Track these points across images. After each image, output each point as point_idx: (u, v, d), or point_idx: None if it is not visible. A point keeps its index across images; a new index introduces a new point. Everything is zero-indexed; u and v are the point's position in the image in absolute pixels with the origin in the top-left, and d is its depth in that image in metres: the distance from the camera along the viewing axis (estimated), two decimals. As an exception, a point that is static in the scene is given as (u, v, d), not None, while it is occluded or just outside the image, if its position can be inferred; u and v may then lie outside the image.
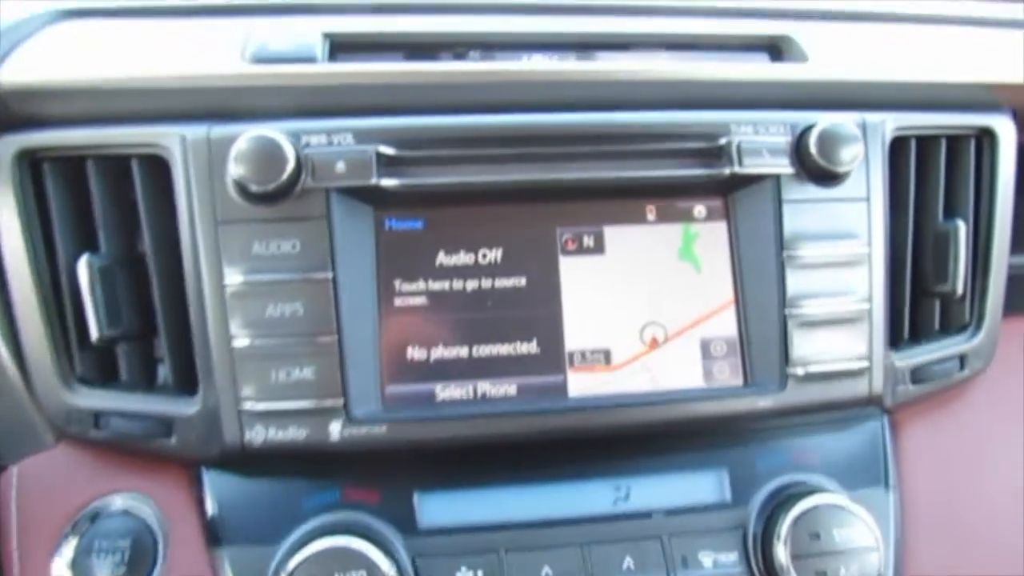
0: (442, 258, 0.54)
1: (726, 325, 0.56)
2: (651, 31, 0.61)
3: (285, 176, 0.48)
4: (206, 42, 0.54)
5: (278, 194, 0.49)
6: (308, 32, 0.55)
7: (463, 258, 0.54)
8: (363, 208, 0.52)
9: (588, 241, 0.55)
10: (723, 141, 0.54)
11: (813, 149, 0.53)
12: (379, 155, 0.51)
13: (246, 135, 0.48)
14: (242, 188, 0.49)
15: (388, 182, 0.51)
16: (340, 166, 0.50)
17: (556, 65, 0.57)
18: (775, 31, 0.63)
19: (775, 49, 0.63)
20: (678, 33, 0.61)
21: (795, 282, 0.55)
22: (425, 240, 0.54)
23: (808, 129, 0.54)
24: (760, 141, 0.54)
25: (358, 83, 0.54)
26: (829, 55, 0.61)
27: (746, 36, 0.62)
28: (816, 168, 0.54)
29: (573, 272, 0.55)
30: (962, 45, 0.66)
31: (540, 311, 0.54)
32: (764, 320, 0.56)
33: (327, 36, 0.56)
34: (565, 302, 0.55)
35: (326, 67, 0.54)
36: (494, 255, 0.54)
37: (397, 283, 0.53)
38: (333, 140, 0.51)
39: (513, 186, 0.53)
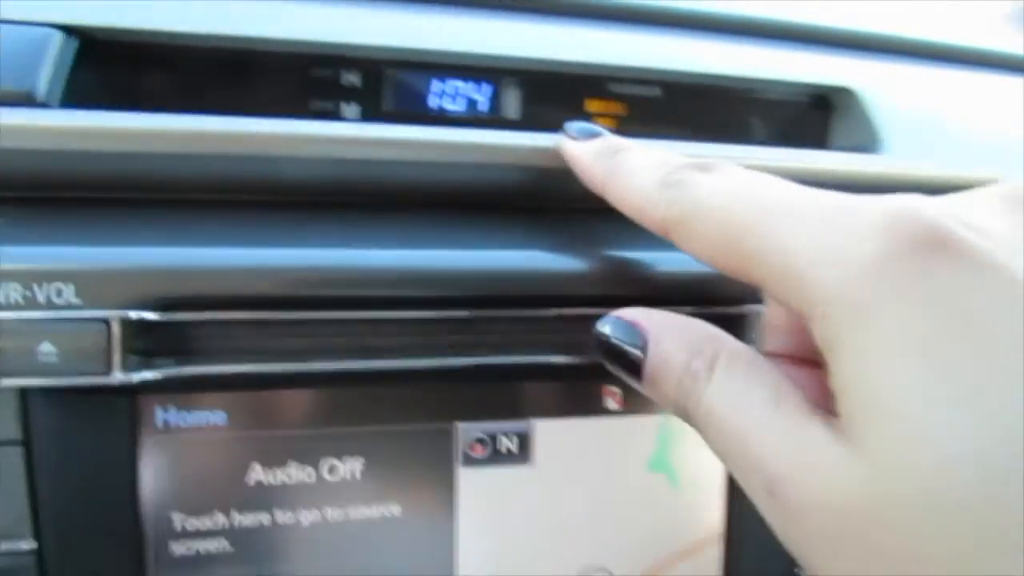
0: (258, 474, 0.31)
1: (706, 571, 0.36)
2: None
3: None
4: None
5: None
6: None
7: (296, 474, 0.32)
8: (110, 402, 0.29)
9: (507, 445, 0.34)
10: (743, 310, 0.32)
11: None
12: (128, 325, 0.27)
13: None
14: None
15: (145, 376, 0.27)
16: (46, 350, 0.26)
17: (452, 136, 0.32)
18: (825, 75, 0.39)
19: (823, 108, 0.39)
20: (674, 70, 0.37)
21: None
22: (229, 445, 0.31)
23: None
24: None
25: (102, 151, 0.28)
26: (906, 128, 0.38)
27: (785, 83, 0.38)
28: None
29: (479, 493, 0.34)
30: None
31: (421, 558, 0.33)
32: (764, 571, 0.36)
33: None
34: (463, 541, 0.33)
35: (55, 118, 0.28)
36: (348, 469, 0.32)
37: (177, 519, 0.31)
38: (36, 295, 0.26)
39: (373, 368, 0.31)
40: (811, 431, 0.19)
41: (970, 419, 0.15)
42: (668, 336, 0.23)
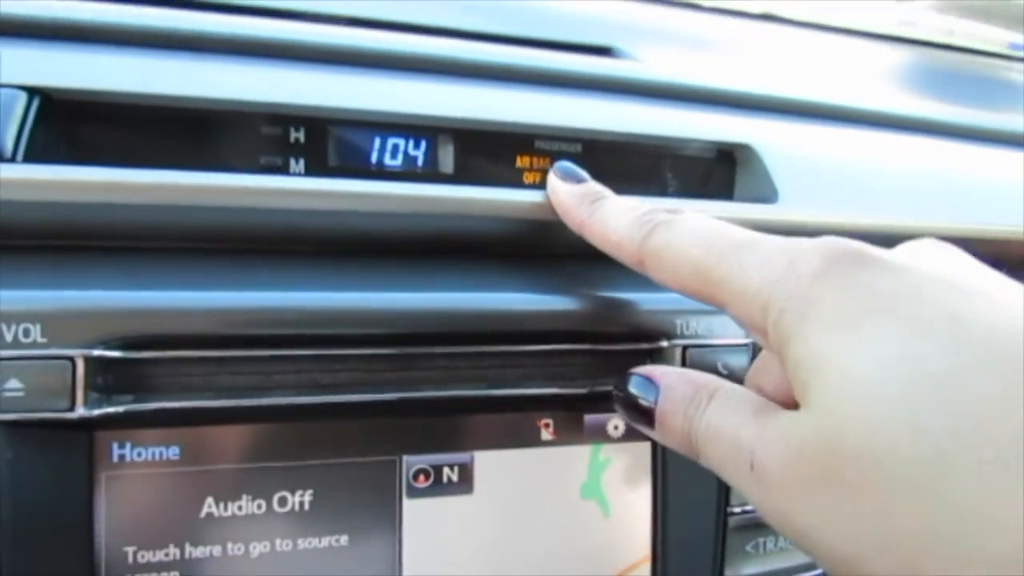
0: (210, 507, 0.33)
1: (636, 591, 0.39)
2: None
3: None
4: None
5: None
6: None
7: (247, 506, 0.33)
8: (68, 437, 0.30)
9: (449, 475, 0.36)
10: (664, 344, 0.36)
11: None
12: (91, 363, 0.29)
13: None
14: None
15: (106, 411, 0.29)
16: (11, 387, 0.28)
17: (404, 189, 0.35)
18: (730, 133, 0.44)
19: (727, 160, 0.44)
20: (594, 128, 0.41)
21: (739, 541, 0.38)
22: (182, 479, 0.32)
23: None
24: (718, 346, 0.36)
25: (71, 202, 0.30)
26: (799, 179, 0.43)
27: (693, 140, 0.43)
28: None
29: (423, 522, 0.35)
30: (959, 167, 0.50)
31: (366, 584, 0.35)
32: (690, 589, 0.39)
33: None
34: (407, 569, 0.35)
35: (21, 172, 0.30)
36: (297, 500, 0.34)
37: (130, 552, 0.32)
38: (3, 334, 0.28)
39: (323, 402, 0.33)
40: (779, 415, 0.24)
41: (887, 365, 0.20)
42: (676, 383, 0.28)
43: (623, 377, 0.31)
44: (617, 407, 0.32)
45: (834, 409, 0.21)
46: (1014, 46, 0.82)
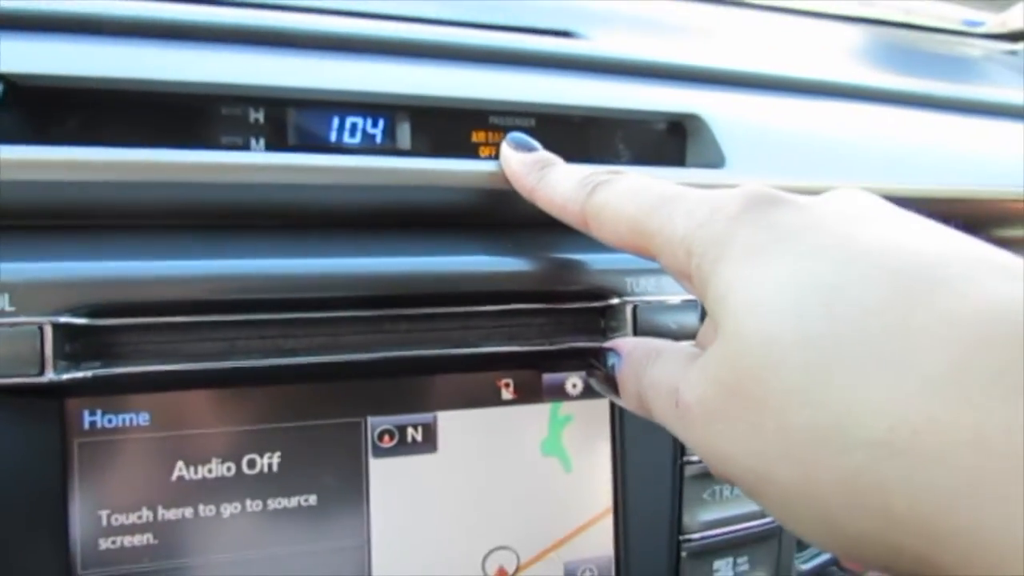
0: (181, 470, 0.34)
1: (600, 543, 0.40)
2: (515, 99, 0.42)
3: None
4: None
5: None
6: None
7: (216, 469, 0.34)
8: (40, 405, 0.32)
9: (413, 435, 0.37)
10: (615, 302, 0.37)
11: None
12: (59, 330, 0.30)
13: None
14: None
15: (74, 376, 0.30)
16: (-17, 353, 0.29)
17: (372, 162, 0.37)
18: (679, 104, 0.46)
19: (678, 131, 0.46)
20: (547, 103, 0.43)
21: (695, 490, 0.40)
22: (153, 443, 0.34)
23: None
24: (665, 303, 0.38)
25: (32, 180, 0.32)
26: (746, 145, 0.44)
27: (644, 111, 0.44)
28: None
29: (389, 481, 0.37)
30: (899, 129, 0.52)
31: (336, 541, 0.36)
32: (650, 539, 0.40)
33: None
34: (375, 526, 0.37)
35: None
36: (265, 462, 0.35)
37: (104, 516, 0.33)
38: (-27, 304, 0.29)
39: (292, 365, 0.34)
40: (702, 355, 0.25)
41: (781, 285, 0.21)
42: (632, 350, 0.31)
43: (598, 355, 0.33)
44: (593, 382, 0.34)
45: (738, 332, 0.22)
46: (968, 22, 0.84)
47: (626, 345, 0.31)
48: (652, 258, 0.28)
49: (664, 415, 0.27)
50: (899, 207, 0.25)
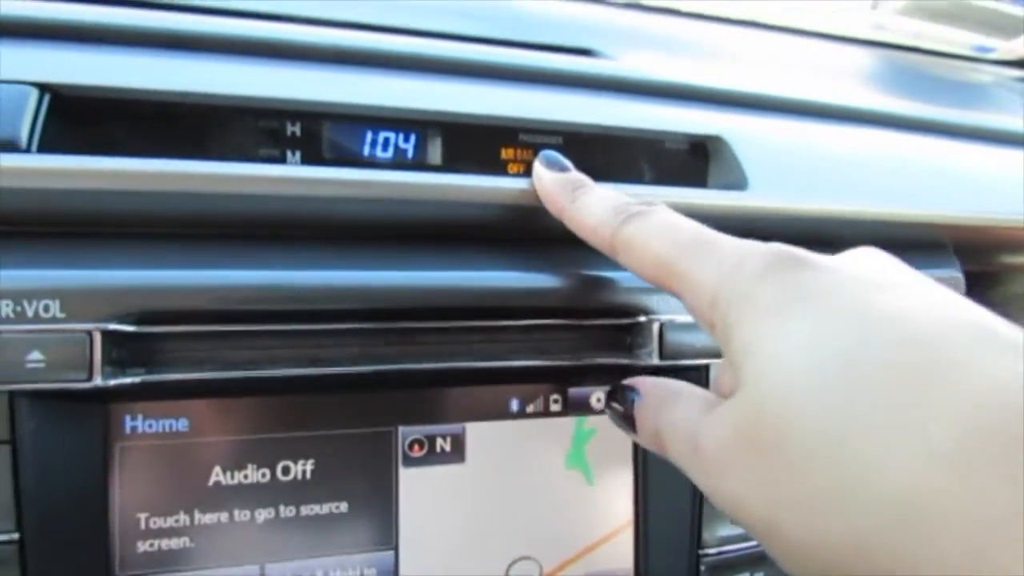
0: (217, 475, 0.35)
1: (620, 555, 0.41)
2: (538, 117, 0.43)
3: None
4: None
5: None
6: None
7: (251, 475, 0.35)
8: (85, 409, 0.32)
9: (442, 444, 0.38)
10: (641, 319, 0.38)
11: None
12: (107, 337, 0.31)
13: None
14: None
15: (121, 382, 0.31)
16: (34, 358, 0.30)
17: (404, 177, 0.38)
18: (703, 125, 0.47)
19: (701, 152, 0.47)
20: (575, 122, 0.44)
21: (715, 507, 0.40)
22: (191, 449, 0.35)
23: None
24: (691, 323, 0.39)
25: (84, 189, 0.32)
26: (768, 168, 0.45)
27: (667, 133, 0.45)
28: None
29: (418, 490, 0.38)
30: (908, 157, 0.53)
31: (366, 549, 0.37)
32: (669, 553, 0.41)
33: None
34: (403, 533, 0.37)
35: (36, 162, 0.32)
36: (299, 469, 0.36)
37: (142, 519, 0.34)
38: (25, 310, 0.30)
39: (327, 375, 0.35)
40: (722, 403, 0.25)
41: (801, 345, 0.22)
42: (651, 389, 0.31)
43: (617, 390, 0.33)
44: (609, 415, 0.34)
45: (759, 385, 0.23)
46: (978, 48, 0.85)
47: (645, 384, 0.32)
48: (675, 295, 0.29)
49: (680, 457, 0.28)
50: (912, 269, 0.27)
